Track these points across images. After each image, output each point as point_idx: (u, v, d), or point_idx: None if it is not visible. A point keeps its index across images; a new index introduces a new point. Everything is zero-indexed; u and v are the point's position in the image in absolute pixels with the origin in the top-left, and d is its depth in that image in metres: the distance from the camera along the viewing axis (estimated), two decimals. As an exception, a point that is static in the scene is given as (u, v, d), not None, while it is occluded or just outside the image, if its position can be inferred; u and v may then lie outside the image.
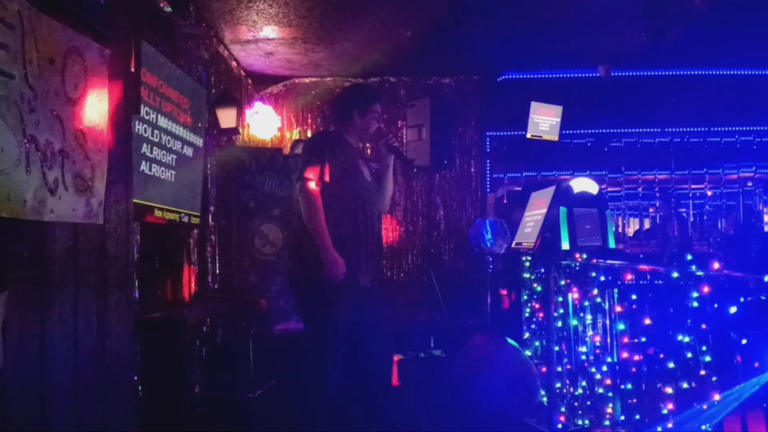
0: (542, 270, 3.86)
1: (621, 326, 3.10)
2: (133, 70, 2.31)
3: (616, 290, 3.17)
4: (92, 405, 2.04)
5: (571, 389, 3.57)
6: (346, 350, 3.04)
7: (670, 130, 7.11)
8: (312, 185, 2.97)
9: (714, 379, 2.63)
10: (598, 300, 3.31)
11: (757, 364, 2.47)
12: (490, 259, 5.41)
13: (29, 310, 1.72)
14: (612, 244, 4.08)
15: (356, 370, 3.17)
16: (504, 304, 5.18)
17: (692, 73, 6.75)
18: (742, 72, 6.81)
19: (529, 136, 6.47)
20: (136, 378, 2.36)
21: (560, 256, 3.71)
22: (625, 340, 3.07)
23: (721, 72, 6.77)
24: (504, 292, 4.89)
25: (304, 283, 3.08)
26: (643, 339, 3.03)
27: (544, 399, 3.79)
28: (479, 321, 5.30)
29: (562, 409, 3.58)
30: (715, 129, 7.12)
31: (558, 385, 3.62)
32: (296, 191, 3.02)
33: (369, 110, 3.16)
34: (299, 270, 3.10)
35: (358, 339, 3.09)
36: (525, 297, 4.27)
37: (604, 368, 3.24)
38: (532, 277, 4.12)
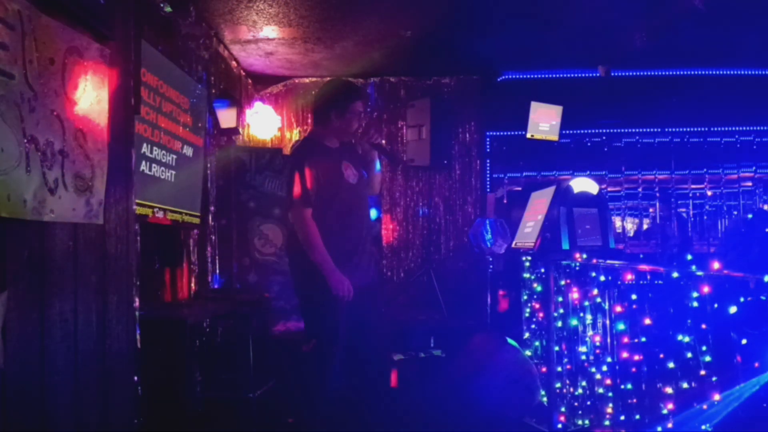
0: (542, 270, 3.86)
1: (621, 326, 3.10)
2: (133, 70, 2.31)
3: (616, 290, 3.17)
4: (92, 405, 2.04)
5: (571, 389, 3.57)
6: (346, 350, 3.04)
7: (670, 130, 7.11)
8: (304, 213, 2.94)
9: (714, 379, 2.63)
10: (598, 300, 3.31)
11: (757, 364, 2.48)
12: (490, 259, 5.41)
13: (29, 310, 1.72)
14: (612, 244, 4.08)
15: (356, 370, 3.17)
16: (501, 306, 5.18)
17: (692, 73, 6.75)
18: (742, 72, 6.81)
19: (529, 136, 6.47)
20: (136, 378, 2.36)
21: (560, 256, 3.70)
22: (625, 340, 3.07)
23: (721, 72, 6.76)
24: (502, 293, 4.89)
25: (304, 285, 3.08)
26: (643, 339, 3.03)
27: (544, 399, 3.78)
28: (479, 321, 5.29)
29: (562, 409, 3.58)
30: (715, 129, 7.12)
31: (558, 385, 3.62)
32: (290, 217, 3.01)
33: (347, 110, 3.04)
34: (299, 272, 3.10)
35: (357, 339, 3.09)
36: (525, 297, 4.27)
37: (604, 368, 3.24)
38: (532, 277, 4.12)
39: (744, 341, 2.61)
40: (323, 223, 2.96)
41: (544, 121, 6.52)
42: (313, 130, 3.23)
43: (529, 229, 4.21)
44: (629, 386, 3.08)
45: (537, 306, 4.09)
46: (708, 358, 2.66)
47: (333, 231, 2.99)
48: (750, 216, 6.87)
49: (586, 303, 3.42)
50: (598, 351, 3.33)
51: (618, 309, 3.14)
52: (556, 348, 3.64)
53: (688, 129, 7.10)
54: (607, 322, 3.23)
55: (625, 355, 3.07)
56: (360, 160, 3.22)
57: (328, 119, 3.07)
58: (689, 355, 2.73)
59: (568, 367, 3.59)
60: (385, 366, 3.31)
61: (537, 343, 4.13)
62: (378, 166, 3.27)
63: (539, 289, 4.01)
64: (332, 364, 3.00)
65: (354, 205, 3.09)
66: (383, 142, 3.24)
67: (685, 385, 2.76)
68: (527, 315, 4.26)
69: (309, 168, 2.97)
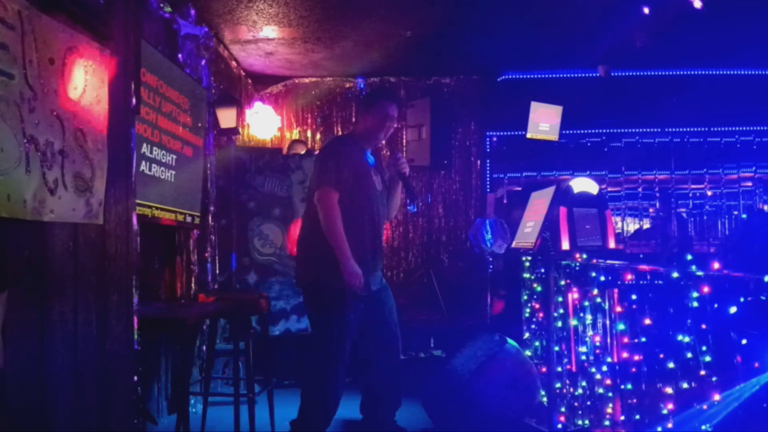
0: (542, 270, 3.86)
1: (621, 326, 3.10)
2: (133, 70, 2.31)
3: (616, 290, 3.17)
4: (92, 405, 2.04)
5: (571, 389, 3.56)
6: (359, 353, 3.05)
7: (670, 130, 7.11)
8: (331, 195, 2.95)
9: (714, 379, 2.63)
10: (598, 300, 3.31)
11: (757, 364, 2.48)
12: (490, 259, 5.41)
13: (29, 310, 1.72)
14: (612, 244, 4.08)
15: (369, 372, 3.17)
16: (495, 308, 5.18)
17: (692, 73, 6.75)
18: (742, 72, 6.81)
19: (529, 136, 6.47)
20: (135, 378, 2.36)
21: (560, 256, 3.70)
22: (625, 340, 3.07)
23: (721, 72, 6.76)
24: (503, 293, 4.90)
25: (315, 290, 3.07)
26: (643, 339, 3.03)
27: (544, 399, 3.78)
28: (479, 321, 5.30)
29: (562, 409, 3.58)
30: (715, 129, 7.12)
31: (558, 385, 3.62)
32: (314, 199, 3.00)
33: (382, 113, 3.13)
34: (309, 277, 3.09)
35: (371, 342, 3.09)
36: (525, 297, 4.27)
37: (604, 368, 3.24)
38: (532, 277, 4.12)
39: (744, 341, 2.61)
40: (345, 218, 2.96)
41: (544, 121, 6.51)
42: (353, 129, 3.31)
43: (529, 229, 4.21)
44: (629, 386, 3.08)
45: (537, 306, 4.09)
46: (708, 358, 2.66)
47: (354, 228, 2.99)
48: (746, 216, 6.88)
49: (586, 303, 3.42)
50: (598, 351, 3.33)
51: (618, 309, 3.14)
52: (556, 348, 3.64)
53: (688, 129, 7.10)
54: (607, 322, 3.23)
55: (625, 355, 3.07)
56: (385, 178, 3.26)
57: (365, 121, 3.16)
58: (689, 355, 2.73)
59: (568, 367, 3.59)
60: (397, 371, 3.32)
61: (537, 343, 4.13)
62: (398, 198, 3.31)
63: (539, 289, 4.01)
64: (341, 368, 2.99)
65: (376, 208, 3.11)
66: (407, 173, 3.24)
67: (685, 385, 2.76)
68: (527, 315, 4.26)
69: (347, 156, 3.01)
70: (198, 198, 4.53)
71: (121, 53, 2.21)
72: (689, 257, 2.69)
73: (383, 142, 3.32)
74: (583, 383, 3.47)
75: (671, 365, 2.81)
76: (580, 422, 3.49)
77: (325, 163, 3.02)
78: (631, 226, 7.45)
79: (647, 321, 2.99)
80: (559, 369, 3.62)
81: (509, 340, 4.03)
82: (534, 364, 3.96)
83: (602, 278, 3.25)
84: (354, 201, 3.02)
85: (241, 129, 5.86)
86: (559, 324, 3.61)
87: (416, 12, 4.97)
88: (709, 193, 7.28)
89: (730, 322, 2.63)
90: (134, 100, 2.34)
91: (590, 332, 3.41)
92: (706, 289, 2.58)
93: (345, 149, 3.07)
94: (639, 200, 7.26)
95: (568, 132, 6.80)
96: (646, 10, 4.63)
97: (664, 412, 2.80)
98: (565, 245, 3.84)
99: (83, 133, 1.95)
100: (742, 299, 2.55)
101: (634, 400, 3.07)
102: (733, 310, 2.55)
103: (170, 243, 4.24)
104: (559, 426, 3.54)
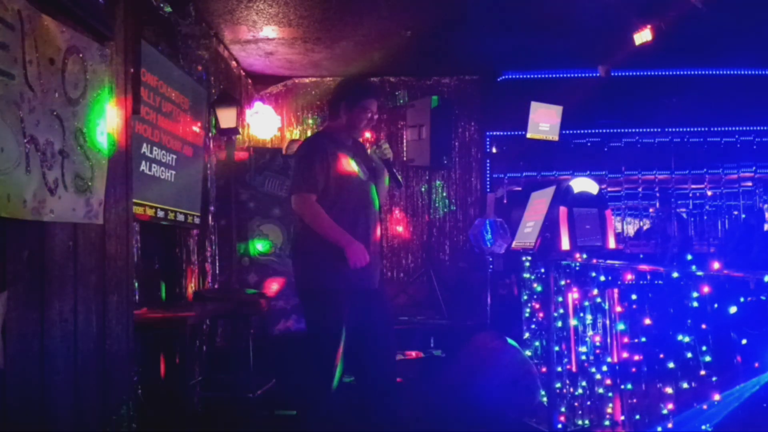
0: (542, 270, 3.86)
1: (621, 326, 3.10)
2: (132, 70, 2.31)
3: (616, 290, 3.17)
4: (92, 405, 2.04)
5: (571, 389, 3.56)
6: (354, 352, 3.03)
7: (670, 130, 7.11)
8: (307, 197, 2.93)
9: (714, 379, 2.63)
10: (598, 300, 3.31)
11: (757, 364, 2.48)
12: (490, 259, 5.41)
13: (29, 309, 1.72)
14: (612, 244, 4.07)
15: (364, 371, 3.16)
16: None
17: (692, 73, 6.75)
18: (742, 72, 6.81)
19: (529, 136, 6.48)
20: (136, 378, 2.36)
21: (560, 256, 3.70)
22: (625, 340, 3.07)
23: (721, 72, 6.77)
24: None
25: (309, 288, 3.05)
26: (643, 339, 3.03)
27: (544, 399, 3.78)
28: (479, 321, 5.30)
29: (562, 409, 3.58)
30: (715, 129, 7.12)
31: (558, 385, 3.62)
32: (293, 204, 2.99)
33: (357, 106, 3.04)
34: (304, 276, 3.07)
35: (366, 340, 3.08)
36: (525, 297, 4.27)
37: (604, 368, 3.23)
38: (532, 277, 4.12)
39: (744, 341, 2.61)
40: (332, 217, 2.94)
41: (544, 121, 6.52)
42: (327, 125, 3.26)
43: (529, 229, 4.21)
44: (629, 386, 3.08)
45: (537, 306, 4.09)
46: (708, 358, 2.66)
47: (342, 226, 2.97)
48: (746, 216, 6.89)
49: (586, 303, 3.42)
50: (598, 351, 3.33)
51: (618, 309, 3.14)
52: (556, 348, 3.64)
53: (688, 129, 7.11)
54: (607, 322, 3.23)
55: (625, 355, 3.07)
56: (370, 166, 3.21)
57: (338, 114, 3.09)
58: (689, 355, 2.73)
59: (568, 367, 3.58)
60: (393, 367, 3.29)
61: (537, 343, 4.13)
62: (387, 181, 3.27)
63: (539, 289, 4.01)
64: (332, 364, 2.99)
65: (364, 201, 3.07)
66: (390, 159, 3.21)
67: (685, 385, 2.76)
68: (527, 315, 4.26)
69: (320, 156, 2.97)
70: (198, 198, 4.53)
71: (121, 53, 2.21)
72: (689, 257, 2.69)
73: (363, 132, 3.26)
74: (583, 383, 3.47)
75: (671, 365, 2.81)
76: (580, 422, 3.49)
77: (297, 166, 2.99)
78: (631, 226, 7.45)
79: (647, 321, 2.99)
80: (559, 369, 3.62)
81: (509, 340, 4.03)
82: (534, 364, 3.96)
83: (602, 278, 3.25)
84: (339, 200, 2.99)
85: (241, 129, 5.86)
86: (559, 324, 3.61)
87: (416, 12, 4.97)
88: (709, 193, 7.28)
89: (730, 322, 2.63)
90: (134, 100, 2.34)
91: (590, 332, 3.41)
92: (706, 289, 2.58)
93: (318, 149, 2.99)
94: (639, 200, 7.27)
95: (568, 132, 6.80)
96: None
97: (664, 412, 2.80)
98: (565, 245, 3.83)
99: (83, 133, 1.96)
100: (742, 299, 2.55)
101: (634, 400, 3.07)
102: (733, 310, 2.55)
103: (170, 243, 4.24)
104: (559, 426, 3.54)
